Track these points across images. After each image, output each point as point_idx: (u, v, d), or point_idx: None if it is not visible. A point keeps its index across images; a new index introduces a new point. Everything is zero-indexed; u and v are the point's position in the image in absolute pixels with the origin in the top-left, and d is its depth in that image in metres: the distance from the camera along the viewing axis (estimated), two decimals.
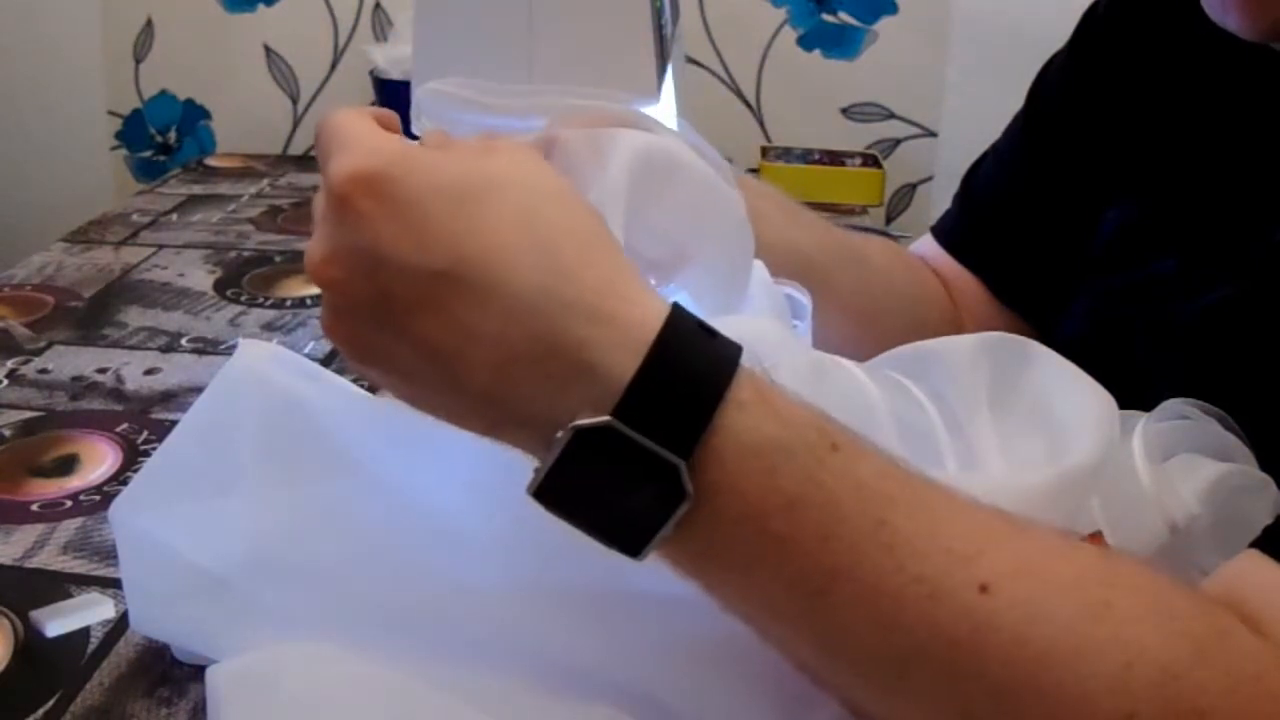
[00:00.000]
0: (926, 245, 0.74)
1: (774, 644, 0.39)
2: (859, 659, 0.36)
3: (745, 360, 0.36)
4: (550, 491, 0.36)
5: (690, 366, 0.36)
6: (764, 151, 1.41)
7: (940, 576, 0.35)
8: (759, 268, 0.51)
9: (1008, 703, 0.34)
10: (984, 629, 0.34)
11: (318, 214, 0.38)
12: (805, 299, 0.51)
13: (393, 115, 0.41)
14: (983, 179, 0.73)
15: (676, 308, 0.37)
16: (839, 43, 1.47)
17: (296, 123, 1.56)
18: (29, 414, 0.75)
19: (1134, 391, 0.47)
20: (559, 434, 0.35)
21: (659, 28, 0.68)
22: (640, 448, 0.34)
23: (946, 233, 0.74)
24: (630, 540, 0.36)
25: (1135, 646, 0.34)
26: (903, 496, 0.36)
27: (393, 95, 1.32)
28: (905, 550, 0.35)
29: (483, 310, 0.35)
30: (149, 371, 0.82)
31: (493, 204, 0.37)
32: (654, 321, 0.36)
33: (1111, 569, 0.37)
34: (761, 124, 1.50)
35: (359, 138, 0.37)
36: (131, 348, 0.86)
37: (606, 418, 0.34)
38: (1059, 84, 0.69)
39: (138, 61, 1.56)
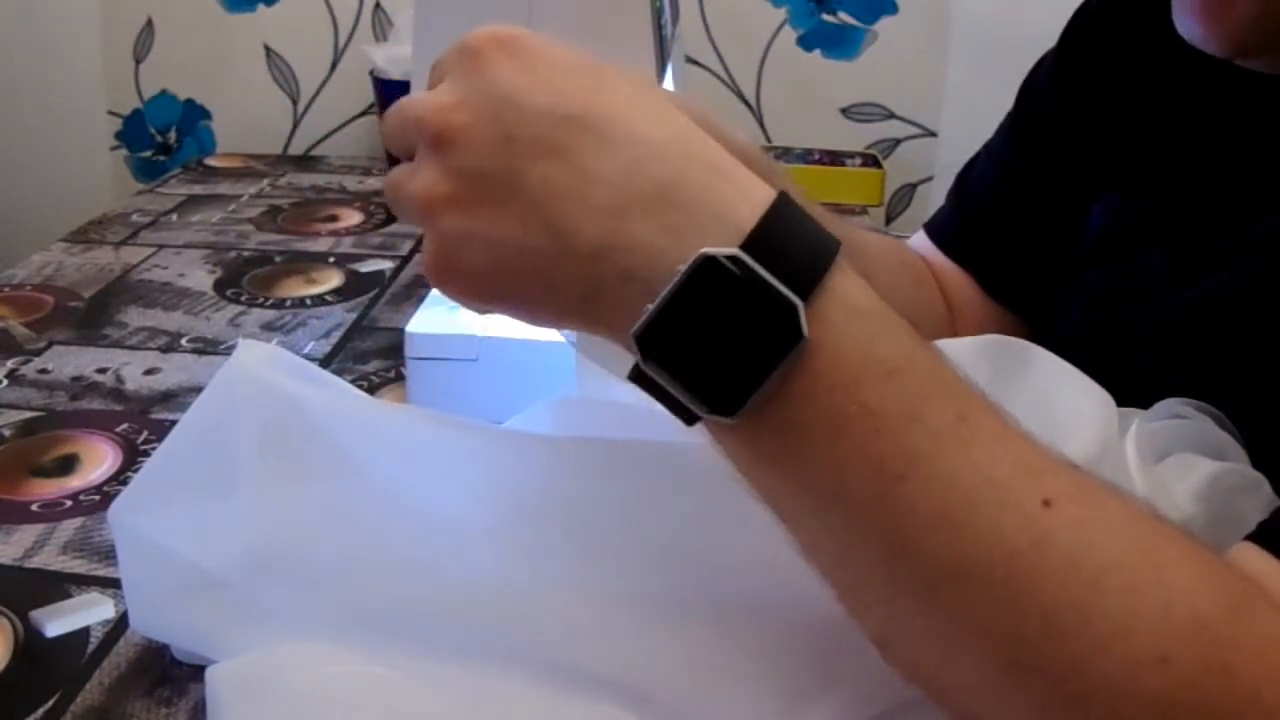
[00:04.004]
0: (919, 242, 0.75)
1: (825, 553, 0.38)
2: (919, 560, 0.35)
3: None
4: (658, 330, 0.35)
5: (805, 228, 0.37)
6: (764, 152, 1.41)
7: (1009, 482, 0.35)
8: None
9: (1055, 626, 0.34)
10: (1043, 544, 0.34)
11: (415, 98, 0.40)
12: None
13: None
14: (975, 177, 0.73)
15: (782, 188, 0.38)
16: (839, 43, 1.47)
17: (296, 123, 1.56)
18: (29, 414, 0.75)
19: (1130, 387, 0.48)
20: (679, 267, 0.35)
21: (659, 28, 0.68)
22: (762, 283, 0.35)
23: (939, 230, 0.74)
24: (731, 392, 0.35)
25: (1177, 590, 0.34)
26: (980, 399, 0.37)
27: (393, 95, 1.32)
28: (980, 449, 0.35)
29: (609, 155, 0.37)
30: (149, 371, 0.82)
31: (617, 76, 0.39)
32: (768, 189, 0.37)
33: (1157, 518, 0.37)
34: (761, 124, 1.50)
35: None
36: (131, 348, 0.86)
37: (735, 249, 0.35)
38: (1049, 82, 0.69)
39: (138, 61, 1.56)
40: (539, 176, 0.37)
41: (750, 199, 0.36)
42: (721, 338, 0.35)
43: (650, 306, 0.35)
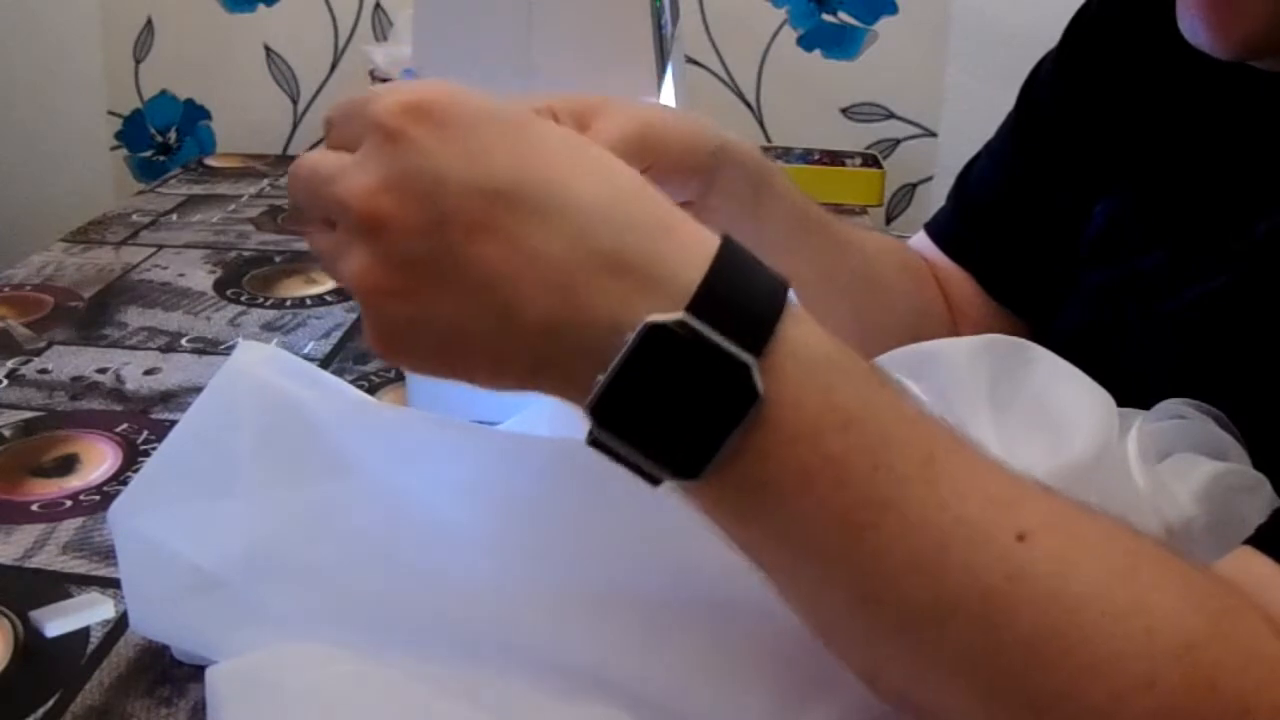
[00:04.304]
0: (920, 242, 0.75)
1: (802, 600, 0.38)
2: (895, 603, 0.35)
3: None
4: (611, 402, 0.34)
5: (752, 278, 0.36)
6: (764, 152, 1.41)
7: (981, 519, 0.35)
8: None
9: (1036, 658, 0.34)
10: (1019, 578, 0.34)
11: (325, 169, 0.37)
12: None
13: None
14: (976, 177, 0.73)
15: (726, 234, 0.37)
16: (839, 43, 1.47)
17: (296, 123, 1.56)
18: (29, 414, 0.75)
19: (1130, 386, 0.48)
20: (628, 335, 0.34)
21: (659, 28, 0.68)
22: (711, 346, 0.34)
23: (940, 230, 0.74)
24: (691, 456, 0.34)
25: (1159, 613, 0.34)
26: (945, 437, 0.36)
27: None
28: (949, 489, 0.35)
29: (547, 229, 0.35)
30: (149, 371, 0.82)
31: (540, 130, 0.37)
32: (711, 239, 0.36)
33: (1135, 535, 0.37)
34: (761, 124, 1.50)
35: (398, 83, 0.37)
36: (131, 348, 0.86)
37: (680, 313, 0.34)
38: (1050, 82, 0.69)
39: (138, 61, 1.56)
40: (479, 258, 0.35)
41: (694, 255, 0.35)
42: (677, 402, 0.34)
43: (601, 378, 0.34)
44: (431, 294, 0.36)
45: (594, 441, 0.35)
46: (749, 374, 0.34)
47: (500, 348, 0.36)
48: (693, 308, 0.34)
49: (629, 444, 0.35)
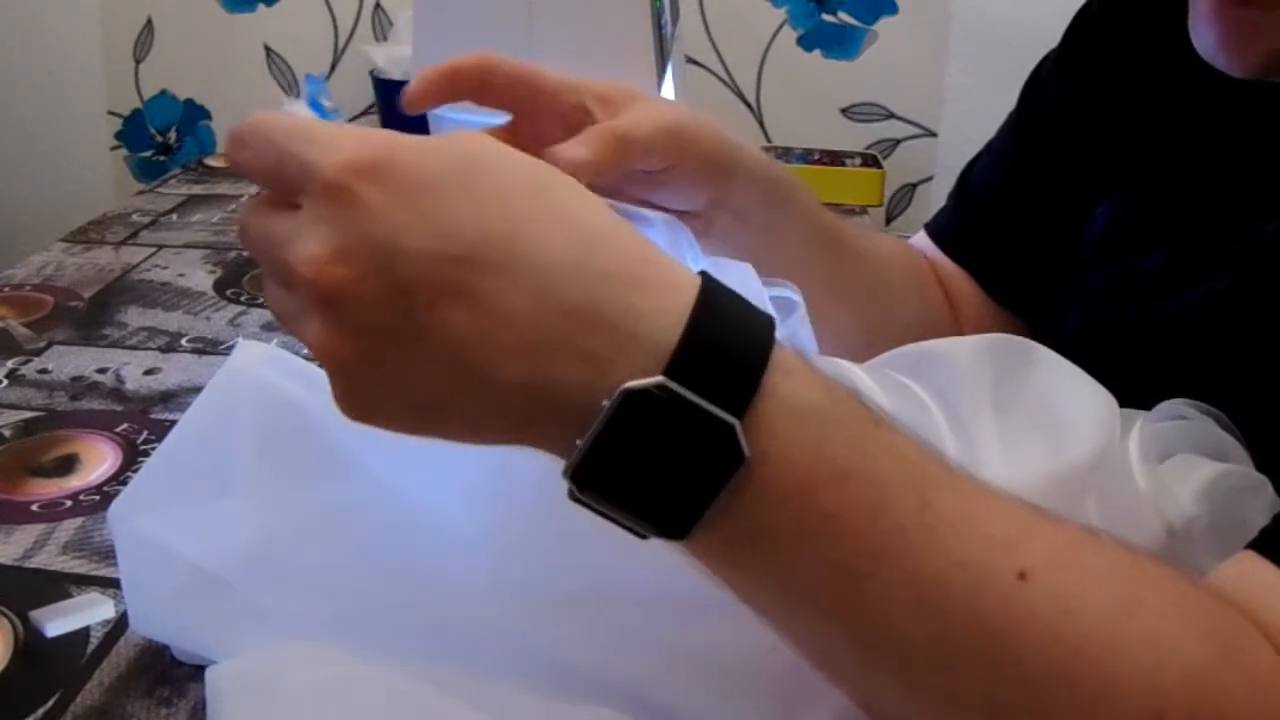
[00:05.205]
0: (920, 242, 0.75)
1: (798, 640, 0.37)
2: (896, 649, 0.34)
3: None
4: (591, 469, 0.33)
5: (734, 328, 0.34)
6: (764, 152, 1.41)
7: (982, 562, 0.34)
8: (747, 271, 0.50)
9: (1041, 696, 0.34)
10: (1022, 618, 0.34)
11: (275, 233, 0.35)
12: (797, 296, 0.51)
13: None
14: (977, 177, 0.73)
15: (704, 272, 0.35)
16: (839, 43, 1.47)
17: None
18: (29, 414, 0.75)
19: (1130, 386, 0.48)
20: (605, 401, 0.32)
21: (659, 28, 0.68)
22: (693, 408, 0.32)
23: (940, 230, 0.74)
24: (676, 518, 0.33)
25: (1166, 644, 0.34)
26: (942, 478, 0.35)
27: (392, 95, 1.32)
28: (948, 533, 0.34)
29: (515, 290, 0.33)
30: (149, 371, 0.82)
31: (498, 176, 0.35)
32: (689, 285, 0.34)
33: (1138, 563, 0.36)
34: (761, 124, 1.50)
35: (337, 130, 0.35)
36: (131, 348, 0.86)
37: (658, 377, 0.32)
38: (1052, 82, 0.69)
39: (138, 61, 1.56)
40: (444, 324, 0.33)
41: (670, 306, 0.33)
42: (660, 465, 0.33)
43: (580, 442, 0.33)
44: (399, 359, 0.34)
45: (576, 500, 0.34)
46: (734, 435, 0.32)
47: (475, 410, 0.35)
48: (671, 369, 0.32)
49: (612, 506, 0.34)
